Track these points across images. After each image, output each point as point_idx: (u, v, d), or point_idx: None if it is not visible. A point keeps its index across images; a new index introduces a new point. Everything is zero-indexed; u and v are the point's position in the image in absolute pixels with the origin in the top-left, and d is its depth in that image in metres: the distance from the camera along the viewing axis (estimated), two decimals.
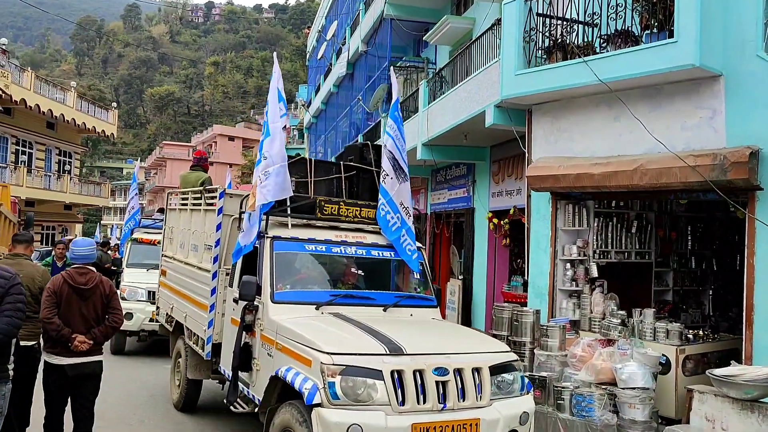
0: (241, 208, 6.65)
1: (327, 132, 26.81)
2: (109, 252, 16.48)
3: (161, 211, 16.41)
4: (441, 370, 4.72)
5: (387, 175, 6.39)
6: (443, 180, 15.29)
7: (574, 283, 8.71)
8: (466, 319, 13.43)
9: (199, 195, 7.92)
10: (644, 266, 9.40)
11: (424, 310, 6.33)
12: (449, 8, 16.26)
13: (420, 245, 6.68)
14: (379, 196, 6.48)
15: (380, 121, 16.93)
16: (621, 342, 6.99)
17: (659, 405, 6.86)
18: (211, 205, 7.28)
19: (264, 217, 6.03)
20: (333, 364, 4.48)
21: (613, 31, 7.98)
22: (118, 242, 19.01)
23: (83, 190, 35.08)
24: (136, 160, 17.63)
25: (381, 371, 4.51)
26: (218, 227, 6.95)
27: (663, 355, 6.91)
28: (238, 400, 6.00)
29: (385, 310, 5.95)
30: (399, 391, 4.52)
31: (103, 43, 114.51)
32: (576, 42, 8.49)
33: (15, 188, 23.20)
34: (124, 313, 10.11)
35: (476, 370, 4.91)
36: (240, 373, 5.92)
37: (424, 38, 16.17)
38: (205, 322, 6.90)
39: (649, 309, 7.85)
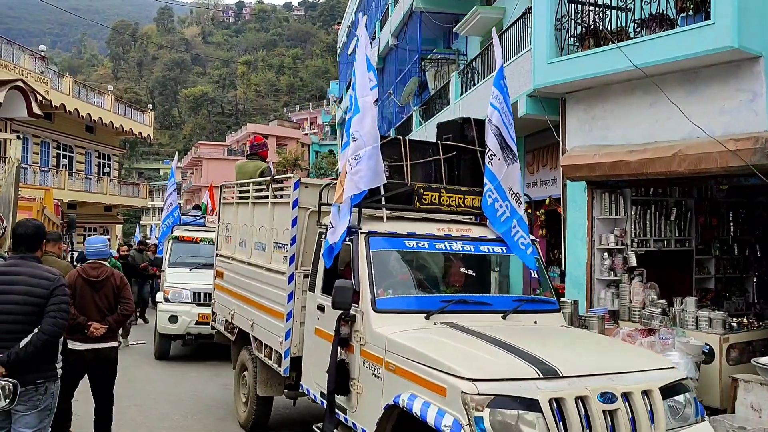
0: (320, 199, 5.81)
1: None
2: (147, 252, 16.70)
3: (197, 207, 16.53)
4: (607, 396, 3.83)
5: (494, 155, 5.34)
6: None
7: (612, 272, 8.60)
8: None
9: (263, 186, 7.02)
10: (684, 254, 9.22)
11: (547, 316, 5.36)
12: None
13: (534, 238, 5.68)
14: (485, 180, 5.46)
15: (412, 114, 16.91)
16: (662, 331, 6.88)
17: (703, 395, 6.74)
18: (281, 196, 6.46)
19: (355, 209, 5.12)
20: (478, 394, 3.61)
21: (647, 15, 7.83)
22: (156, 241, 18.26)
23: (122, 191, 35.82)
24: (173, 157, 16.94)
25: (537, 400, 3.65)
26: (293, 222, 6.03)
27: (706, 344, 6.78)
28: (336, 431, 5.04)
29: (504, 317, 5.03)
30: (560, 425, 3.66)
31: (138, 47, 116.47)
32: (609, 28, 8.36)
33: (57, 191, 23.84)
34: (168, 316, 10.71)
35: (646, 393, 3.98)
36: (336, 396, 4.98)
37: (454, 30, 16.08)
38: (280, 333, 6.00)
39: (690, 297, 7.71)
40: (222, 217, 8.59)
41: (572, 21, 8.71)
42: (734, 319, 7.55)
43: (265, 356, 6.52)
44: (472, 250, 5.40)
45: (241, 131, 73.30)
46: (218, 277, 8.41)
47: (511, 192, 5.44)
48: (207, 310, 10.15)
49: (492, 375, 3.75)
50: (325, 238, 5.31)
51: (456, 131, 6.19)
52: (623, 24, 8.20)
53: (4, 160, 18.01)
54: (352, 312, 4.79)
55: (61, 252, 6.32)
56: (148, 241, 20.09)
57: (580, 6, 8.73)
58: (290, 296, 5.97)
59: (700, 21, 7.08)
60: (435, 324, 4.68)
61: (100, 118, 30.55)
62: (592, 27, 8.50)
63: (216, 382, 9.59)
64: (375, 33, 22.71)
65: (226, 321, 7.86)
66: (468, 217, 5.89)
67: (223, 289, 8.15)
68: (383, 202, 5.30)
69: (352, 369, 4.83)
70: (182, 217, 13.38)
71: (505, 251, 5.49)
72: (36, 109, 22.67)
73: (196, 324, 10.70)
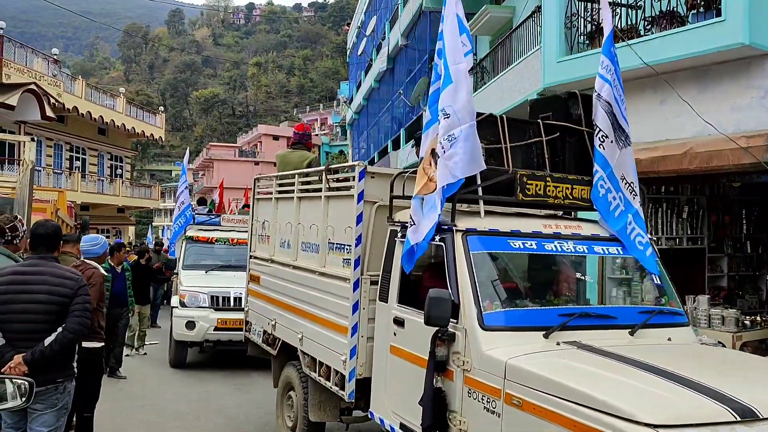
0: (391, 191, 4.89)
1: (369, 127, 26.93)
2: (164, 253, 16.61)
3: (201, 202, 15.74)
4: None
5: (605, 136, 4.50)
6: None
7: (623, 271, 8.57)
8: None
9: (314, 178, 6.17)
10: (697, 252, 9.18)
11: (679, 331, 4.51)
12: None
13: (650, 236, 4.86)
14: (596, 167, 4.57)
15: (422, 114, 16.91)
16: None
17: None
18: (340, 189, 5.60)
19: (447, 202, 4.24)
20: None
21: (657, 13, 7.82)
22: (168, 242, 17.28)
23: (134, 193, 36.05)
24: (184, 155, 16.00)
25: None
26: (359, 219, 5.11)
27: (719, 342, 6.75)
28: None
29: (632, 333, 4.17)
30: None
31: (149, 49, 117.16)
32: (619, 25, 8.34)
33: (70, 193, 24.05)
34: (185, 321, 10.01)
35: None
36: None
37: None
38: (343, 350, 5.08)
39: (703, 295, 7.69)
40: (256, 215, 7.67)
41: (582, 19, 8.70)
42: (747, 317, 7.52)
43: (320, 376, 5.55)
44: (586, 251, 4.54)
45: (251, 132, 73.65)
46: (253, 281, 7.52)
47: (625, 181, 4.66)
48: (226, 316, 9.98)
49: (678, 418, 2.92)
50: (398, 237, 4.64)
51: (558, 108, 5.14)
52: (633, 21, 8.18)
53: (19, 162, 18.20)
54: (450, 329, 3.90)
55: (78, 253, 6.36)
56: (162, 242, 20.15)
57: (589, 4, 8.72)
58: (355, 306, 5.02)
59: (711, 18, 7.07)
60: (558, 344, 3.84)
61: (112, 120, 30.76)
62: (602, 25, 8.48)
63: (241, 395, 8.89)
64: (385, 33, 22.73)
65: (265, 332, 6.93)
66: (562, 211, 5.15)
67: (259, 295, 7.23)
68: (480, 193, 4.38)
69: (452, 400, 3.95)
70: (196, 216, 12.49)
71: (621, 252, 4.67)
72: (49, 112, 22.91)
73: (214, 330, 10.01)
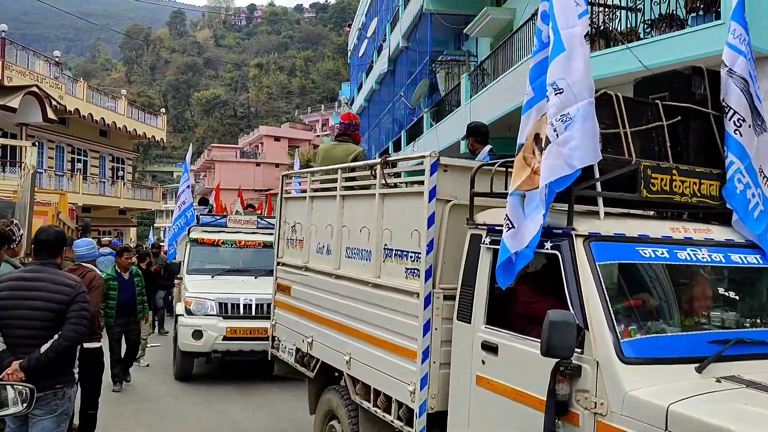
0: (472, 187, 4.10)
1: (370, 129, 26.96)
2: (156, 257, 16.01)
3: (203, 202, 14.94)
4: None
5: (742, 120, 3.82)
6: None
7: None
8: None
9: (365, 173, 5.35)
10: None
11: None
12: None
13: None
14: (730, 157, 3.84)
15: (423, 116, 16.94)
16: None
17: None
18: (398, 186, 4.83)
19: (552, 199, 3.42)
20: None
21: (657, 16, 7.82)
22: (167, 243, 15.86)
23: (136, 194, 36.12)
24: (186, 154, 14.53)
25: None
26: (430, 221, 4.22)
27: None
28: None
29: None
30: None
31: (151, 51, 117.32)
32: (619, 28, 8.35)
33: (72, 195, 24.08)
34: (191, 331, 9.19)
35: None
36: None
37: (464, 31, 16.09)
38: (410, 378, 4.24)
39: None
40: (284, 217, 6.82)
41: None
42: None
43: (376, 407, 4.71)
44: (723, 260, 3.70)
45: (253, 133, 73.73)
46: (281, 292, 6.68)
47: (763, 175, 3.92)
48: (236, 324, 9.33)
49: None
50: (484, 243, 3.89)
51: (679, 87, 4.16)
52: (633, 24, 8.19)
53: (20, 165, 18.23)
54: (574, 361, 3.14)
55: (73, 256, 6.40)
56: (161, 244, 20.05)
57: (589, 7, 8.72)
58: (426, 327, 4.18)
59: (711, 21, 7.06)
60: (719, 381, 3.08)
61: (114, 122, 30.82)
62: (601, 28, 8.49)
63: (258, 411, 8.20)
64: (386, 35, 22.75)
65: (298, 350, 6.09)
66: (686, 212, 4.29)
67: (291, 308, 6.39)
68: (598, 189, 3.55)
69: None
70: (200, 216, 11.65)
71: (761, 261, 3.80)
72: (51, 114, 23.00)
73: (223, 340, 9.23)
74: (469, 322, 3.92)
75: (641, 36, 8.02)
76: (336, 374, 5.45)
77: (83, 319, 4.17)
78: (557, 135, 3.26)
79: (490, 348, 3.72)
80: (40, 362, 3.97)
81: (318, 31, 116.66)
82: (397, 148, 20.05)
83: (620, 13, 8.40)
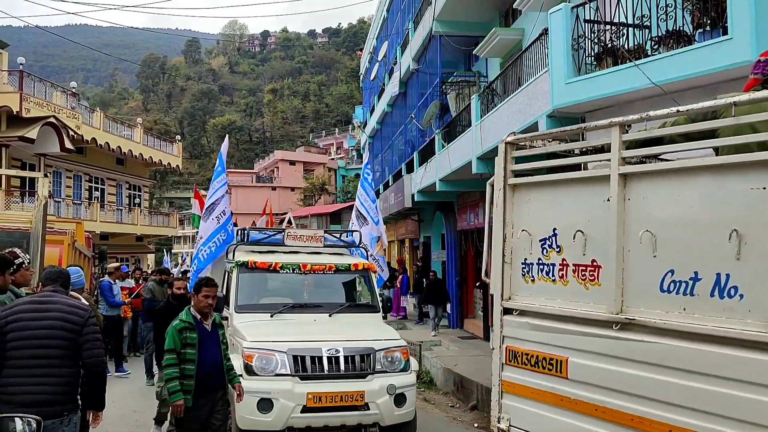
0: None
1: (383, 151, 27.03)
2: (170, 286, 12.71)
3: None
4: None
5: None
6: None
7: None
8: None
9: None
10: None
11: None
12: (497, 20, 16.21)
13: None
14: None
15: (434, 137, 16.97)
16: None
17: None
18: None
19: None
20: None
21: (664, 32, 7.80)
22: (188, 268, 12.90)
23: (153, 221, 36.38)
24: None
25: None
26: None
27: None
28: None
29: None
30: None
31: (167, 79, 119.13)
32: (626, 46, 8.33)
33: (89, 223, 24.33)
34: (257, 400, 6.22)
35: None
36: None
37: (474, 52, 16.15)
38: None
39: None
40: (513, 219, 4.58)
41: (589, 41, 8.70)
42: None
43: None
44: None
45: (268, 158, 74.33)
46: (521, 365, 4.24)
47: None
48: (320, 388, 6.45)
49: None
50: None
51: None
52: (640, 42, 8.17)
53: (34, 195, 18.46)
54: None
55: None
56: (173, 271, 19.51)
57: (596, 25, 8.72)
58: None
59: (718, 36, 7.03)
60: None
61: (130, 150, 31.19)
62: (609, 46, 8.47)
63: None
64: (396, 58, 22.90)
65: None
66: None
67: (553, 399, 3.94)
68: None
69: None
70: (250, 232, 8.67)
71: None
72: (68, 144, 23.33)
73: (302, 412, 6.37)
74: None
75: (649, 53, 7.99)
76: None
77: (98, 341, 4.39)
78: None
79: None
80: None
81: (331, 56, 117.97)
82: (410, 169, 20.07)
83: (627, 30, 8.38)
